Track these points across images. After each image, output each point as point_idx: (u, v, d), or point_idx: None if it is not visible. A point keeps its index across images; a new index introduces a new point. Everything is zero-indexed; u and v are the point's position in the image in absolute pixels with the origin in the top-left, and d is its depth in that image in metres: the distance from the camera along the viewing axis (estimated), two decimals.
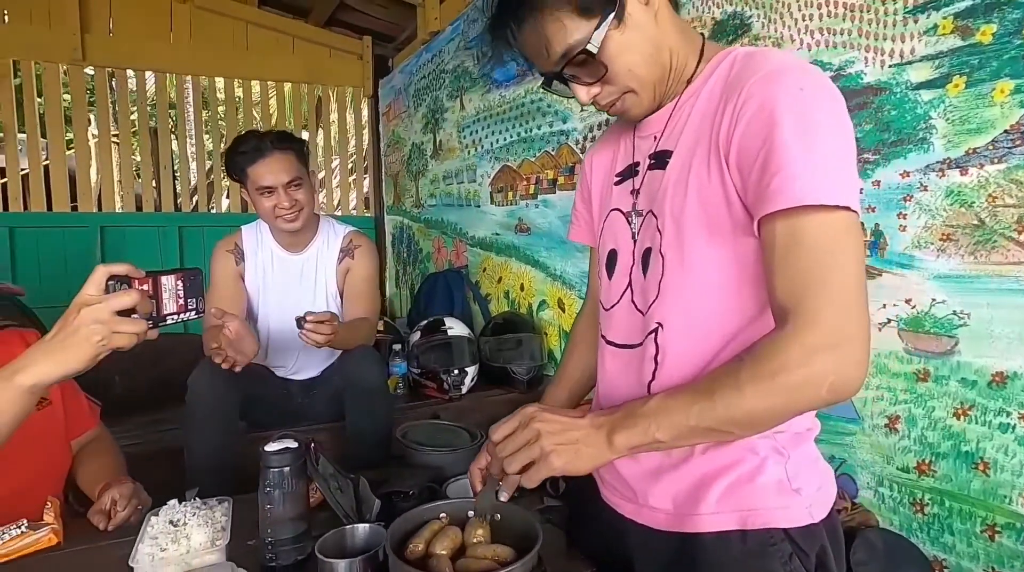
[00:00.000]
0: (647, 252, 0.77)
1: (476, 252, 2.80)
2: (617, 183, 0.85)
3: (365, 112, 4.05)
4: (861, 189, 1.22)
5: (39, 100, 3.19)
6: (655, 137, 0.78)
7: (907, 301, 1.16)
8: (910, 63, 1.13)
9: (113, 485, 1.07)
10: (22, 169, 3.21)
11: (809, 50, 1.30)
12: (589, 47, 0.66)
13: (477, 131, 2.72)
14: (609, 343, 0.84)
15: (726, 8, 1.49)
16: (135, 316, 0.73)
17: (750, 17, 1.43)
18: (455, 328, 2.13)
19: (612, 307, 0.83)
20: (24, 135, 3.20)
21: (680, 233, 0.71)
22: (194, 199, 3.88)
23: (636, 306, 0.79)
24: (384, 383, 1.57)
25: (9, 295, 1.96)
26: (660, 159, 0.76)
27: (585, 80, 0.71)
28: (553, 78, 0.73)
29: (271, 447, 0.89)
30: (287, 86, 3.84)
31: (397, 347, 2.15)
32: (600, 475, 0.84)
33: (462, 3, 2.78)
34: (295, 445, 0.90)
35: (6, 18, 3.09)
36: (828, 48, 1.26)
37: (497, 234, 2.61)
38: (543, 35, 0.68)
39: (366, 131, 4.08)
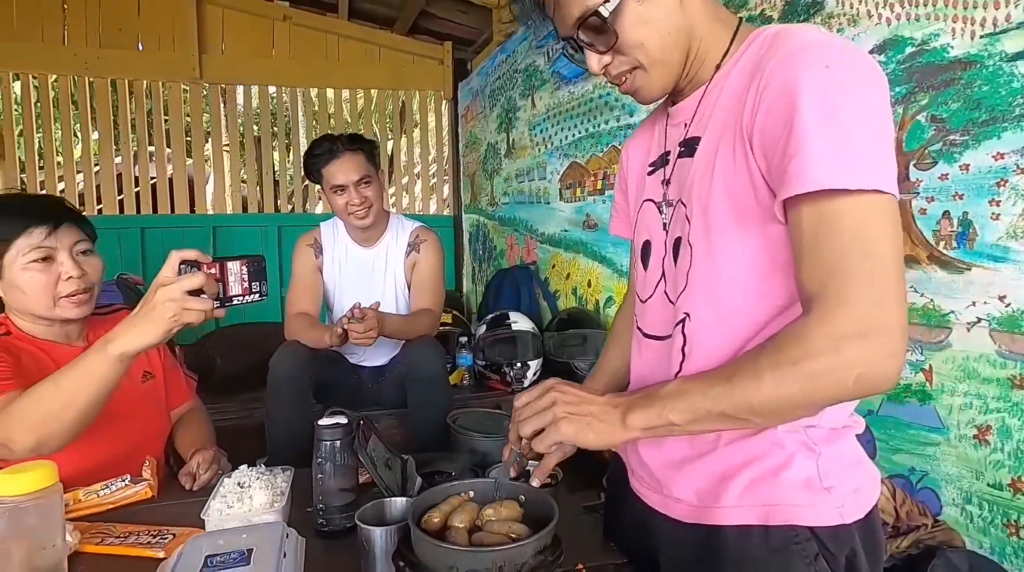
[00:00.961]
0: (677, 241, 0.76)
1: (546, 249, 2.82)
2: (650, 173, 0.85)
3: (445, 114, 4.20)
4: (947, 175, 1.11)
5: (165, 117, 3.63)
6: (685, 124, 0.76)
7: (1000, 298, 1.04)
8: (1005, 32, 1.01)
9: (199, 451, 1.21)
10: (152, 177, 3.68)
11: (889, 25, 1.20)
12: (601, 10, 0.66)
13: (547, 129, 2.74)
14: (645, 335, 0.83)
15: None
16: (204, 296, 0.83)
17: None
18: (519, 322, 2.17)
19: (648, 299, 0.83)
20: (153, 147, 3.65)
21: (707, 221, 0.69)
22: (291, 201, 4.23)
23: (668, 297, 0.78)
24: (443, 373, 1.64)
25: (132, 285, 2.25)
26: (689, 146, 0.75)
27: (598, 48, 0.70)
28: (570, 43, 0.73)
29: (324, 422, 0.97)
30: (374, 92, 4.08)
31: (464, 340, 2.23)
32: (630, 465, 0.84)
33: None
34: (345, 422, 0.97)
35: (140, 46, 3.54)
36: (910, 21, 1.16)
37: (566, 230, 2.62)
38: None
39: (446, 133, 4.23)
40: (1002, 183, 1.02)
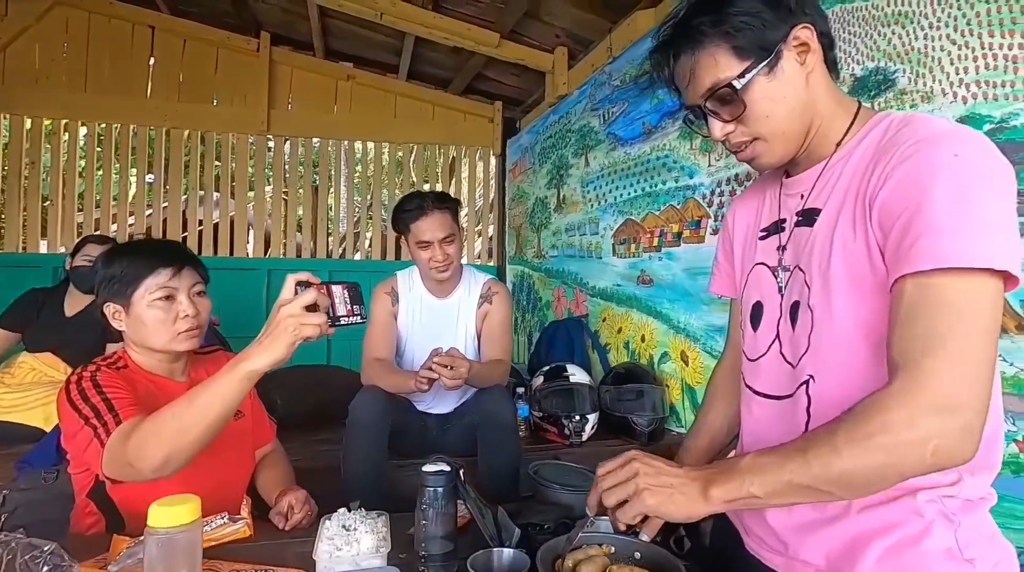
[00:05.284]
0: (795, 305, 0.79)
1: (596, 302, 2.86)
2: (762, 238, 0.89)
3: (492, 169, 4.37)
4: None
5: (232, 166, 3.85)
6: (803, 195, 0.81)
7: None
8: None
9: (289, 492, 1.24)
10: (214, 221, 3.87)
11: (964, 103, 1.25)
12: (734, 83, 0.72)
13: (601, 186, 2.83)
14: (756, 393, 0.86)
15: (867, 64, 1.47)
16: (318, 312, 0.89)
17: (895, 72, 1.40)
18: (576, 375, 2.18)
19: (759, 358, 0.85)
20: (218, 194, 3.86)
21: (827, 288, 0.73)
22: (342, 247, 4.38)
23: (785, 358, 0.80)
24: (515, 421, 1.65)
25: (211, 324, 2.34)
26: (808, 216, 0.79)
27: (723, 116, 0.76)
28: (694, 111, 0.79)
29: (428, 468, 0.99)
30: (427, 148, 4.28)
31: (520, 390, 2.24)
32: (745, 526, 0.84)
33: (590, 69, 2.98)
34: (448, 469, 1.00)
35: (215, 101, 3.81)
36: (987, 100, 1.21)
37: (618, 285, 2.66)
38: (697, 66, 0.74)
39: (493, 186, 4.39)
40: None
